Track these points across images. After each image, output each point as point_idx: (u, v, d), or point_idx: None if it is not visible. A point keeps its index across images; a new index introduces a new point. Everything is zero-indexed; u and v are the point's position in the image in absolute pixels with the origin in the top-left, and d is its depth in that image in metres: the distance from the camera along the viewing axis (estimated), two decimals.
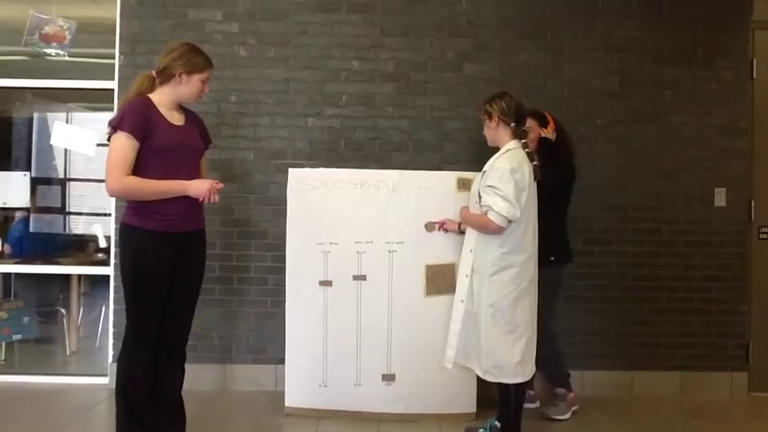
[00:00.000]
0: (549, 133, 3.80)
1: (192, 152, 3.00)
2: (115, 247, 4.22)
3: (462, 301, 3.26)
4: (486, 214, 3.11)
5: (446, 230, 3.66)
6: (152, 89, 2.95)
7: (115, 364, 4.11)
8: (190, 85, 2.94)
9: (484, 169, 3.22)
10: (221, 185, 2.96)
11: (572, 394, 3.83)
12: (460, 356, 3.32)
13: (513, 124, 3.23)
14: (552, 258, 3.68)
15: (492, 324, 3.15)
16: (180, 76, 2.90)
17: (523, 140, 3.25)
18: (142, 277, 2.86)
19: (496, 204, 3.06)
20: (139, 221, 2.85)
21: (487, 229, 3.13)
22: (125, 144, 2.77)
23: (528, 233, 3.19)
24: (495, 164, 3.17)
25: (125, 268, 2.89)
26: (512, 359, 3.16)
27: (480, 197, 3.16)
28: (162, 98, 2.93)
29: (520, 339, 3.17)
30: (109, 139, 2.82)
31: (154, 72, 2.95)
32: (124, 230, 2.91)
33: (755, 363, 4.39)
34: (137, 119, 2.79)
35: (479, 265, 3.20)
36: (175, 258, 2.91)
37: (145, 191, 2.81)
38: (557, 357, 3.85)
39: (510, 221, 3.08)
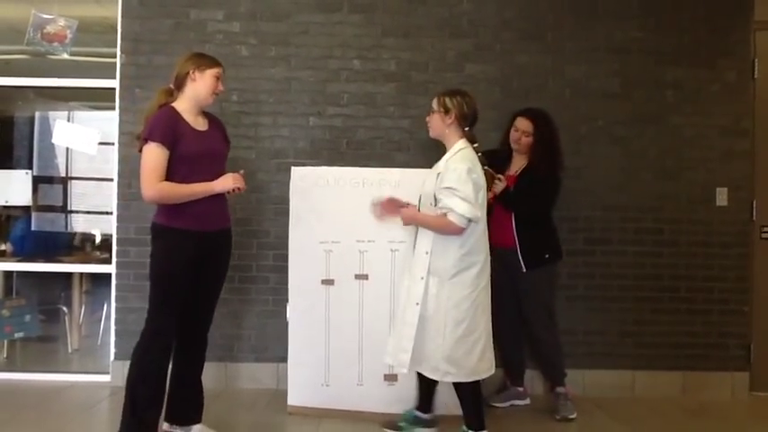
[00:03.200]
0: (500, 182, 3.74)
1: (217, 156, 3.17)
2: (117, 245, 4.24)
3: (417, 304, 3.15)
4: (445, 216, 3.07)
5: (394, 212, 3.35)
6: (171, 101, 3.10)
7: (117, 362, 4.19)
8: (204, 81, 3.09)
9: (437, 170, 3.19)
10: (242, 171, 3.14)
11: (568, 389, 3.88)
12: (413, 362, 3.20)
13: (467, 128, 3.26)
14: (547, 256, 3.85)
15: (453, 327, 3.11)
16: (193, 73, 3.07)
17: (475, 144, 3.26)
18: (171, 274, 3.01)
19: (458, 206, 3.03)
20: (168, 220, 3.03)
21: (448, 230, 3.08)
22: (156, 153, 2.95)
23: (485, 232, 3.23)
24: (449, 165, 3.13)
25: (153, 264, 3.06)
26: (472, 359, 3.15)
27: (436, 199, 3.13)
28: (184, 105, 3.10)
29: (480, 340, 3.17)
30: (140, 151, 3.01)
31: (171, 84, 3.13)
32: (154, 228, 3.09)
33: (757, 363, 4.39)
34: (165, 129, 2.97)
35: (437, 267, 3.13)
36: (203, 256, 3.06)
37: (178, 194, 3.00)
38: (560, 356, 3.91)
39: (470, 222, 3.07)
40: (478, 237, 3.16)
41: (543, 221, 3.87)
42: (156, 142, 2.95)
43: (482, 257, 3.18)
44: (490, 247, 3.50)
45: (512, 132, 3.89)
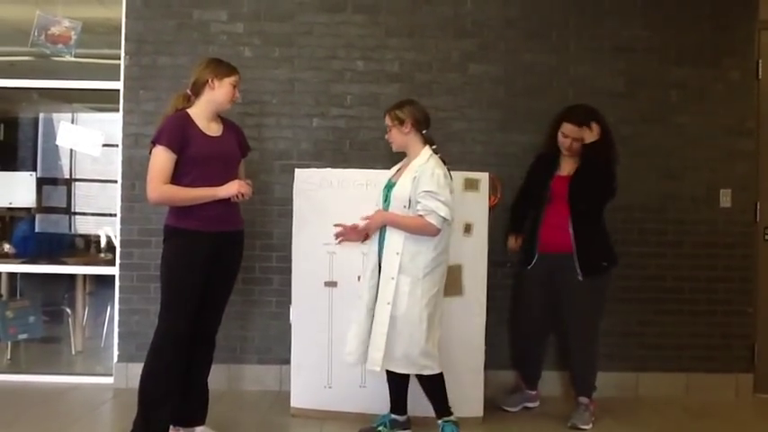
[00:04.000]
0: (593, 136, 3.73)
1: (228, 160, 3.20)
2: (121, 247, 4.25)
3: (389, 304, 3.24)
4: (422, 218, 3.20)
5: (353, 239, 3.55)
6: (188, 106, 3.16)
7: (120, 364, 4.20)
8: (222, 89, 3.15)
9: (412, 175, 3.26)
10: (249, 181, 3.17)
11: (594, 403, 3.79)
12: (385, 360, 3.27)
13: (424, 131, 3.38)
14: (605, 264, 3.74)
15: (428, 322, 3.25)
16: (212, 81, 3.13)
17: (434, 146, 3.37)
18: (182, 274, 3.06)
19: (440, 209, 3.18)
20: (178, 222, 3.08)
21: (425, 231, 3.22)
22: (163, 156, 3.01)
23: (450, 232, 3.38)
24: (426, 170, 3.25)
25: (164, 265, 3.12)
26: (437, 350, 3.31)
27: (410, 202, 3.23)
28: (199, 111, 3.16)
29: (438, 331, 3.35)
30: (150, 153, 3.07)
31: (188, 90, 3.17)
32: (166, 230, 3.13)
33: (761, 364, 4.38)
34: (173, 133, 3.03)
35: (409, 266, 3.24)
36: (215, 256, 3.10)
37: (181, 197, 3.05)
38: (593, 374, 3.83)
39: (445, 223, 3.23)
40: (447, 237, 3.34)
41: (599, 223, 3.78)
42: (163, 146, 3.00)
43: (447, 256, 3.38)
44: (539, 253, 3.80)
45: (560, 138, 3.80)
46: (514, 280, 4.14)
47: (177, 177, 3.04)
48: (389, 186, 3.39)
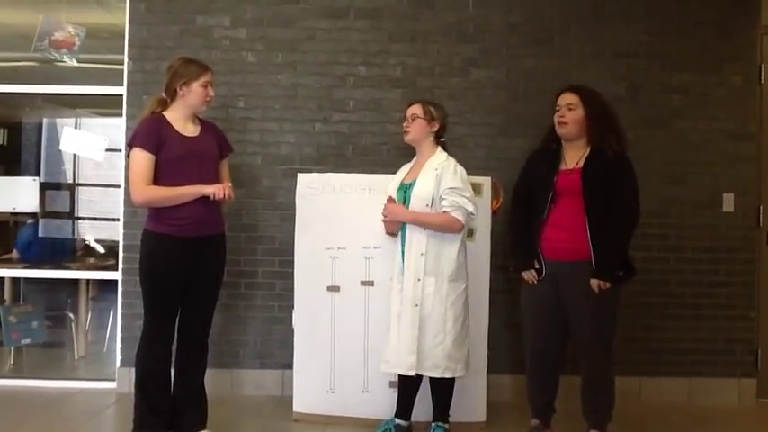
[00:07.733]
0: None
1: (205, 160, 3.20)
2: (124, 251, 4.25)
3: (417, 306, 3.25)
4: (449, 214, 3.23)
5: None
6: (165, 109, 3.19)
7: (123, 369, 4.21)
8: (192, 94, 3.17)
9: (433, 173, 3.28)
10: (230, 184, 3.18)
11: None
12: (418, 363, 3.27)
13: (443, 139, 3.47)
14: (621, 273, 3.26)
15: (453, 323, 3.27)
16: (180, 88, 3.13)
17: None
18: (154, 278, 3.13)
19: (467, 204, 3.24)
20: (154, 226, 3.12)
21: (451, 227, 3.25)
22: (140, 157, 3.05)
23: None
24: (448, 167, 3.29)
25: (140, 269, 3.18)
26: (464, 352, 3.34)
27: (433, 200, 3.26)
28: (174, 114, 3.19)
29: (468, 333, 3.39)
30: (128, 157, 3.14)
31: (163, 94, 3.19)
32: (143, 234, 3.19)
33: (764, 369, 4.37)
34: (147, 133, 3.08)
35: (435, 267, 3.26)
36: (190, 261, 3.12)
37: (166, 196, 3.07)
38: (611, 401, 3.32)
39: (470, 216, 3.30)
40: (465, 235, 3.40)
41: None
42: (138, 147, 3.05)
43: (466, 254, 3.41)
44: (545, 262, 3.31)
45: (555, 116, 3.36)
46: (521, 295, 3.54)
47: (156, 180, 3.07)
48: (405, 188, 3.39)
